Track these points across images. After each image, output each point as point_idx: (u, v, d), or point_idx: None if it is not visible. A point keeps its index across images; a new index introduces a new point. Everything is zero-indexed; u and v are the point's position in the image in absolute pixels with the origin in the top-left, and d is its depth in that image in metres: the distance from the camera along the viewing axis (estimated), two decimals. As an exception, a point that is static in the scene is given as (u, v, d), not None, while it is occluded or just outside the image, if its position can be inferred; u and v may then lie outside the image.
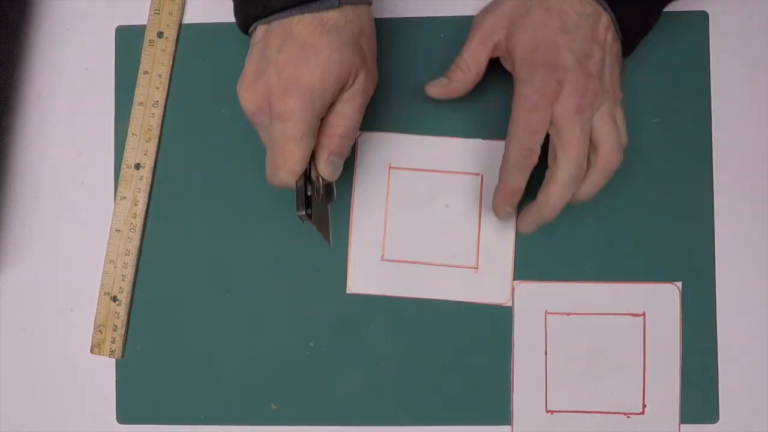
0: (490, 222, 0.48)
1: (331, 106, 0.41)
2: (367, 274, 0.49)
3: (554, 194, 0.41)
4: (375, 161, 0.49)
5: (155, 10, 0.49)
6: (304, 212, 0.40)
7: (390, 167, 0.49)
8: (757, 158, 0.49)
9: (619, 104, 0.42)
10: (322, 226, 0.42)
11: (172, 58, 0.49)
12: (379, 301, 0.48)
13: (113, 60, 0.50)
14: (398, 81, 0.49)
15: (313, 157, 0.42)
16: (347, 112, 0.41)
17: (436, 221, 0.49)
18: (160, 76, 0.49)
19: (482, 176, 0.49)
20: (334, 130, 0.41)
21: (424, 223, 0.49)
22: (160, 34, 0.49)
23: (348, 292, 0.49)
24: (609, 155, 0.41)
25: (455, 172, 0.49)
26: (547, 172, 0.42)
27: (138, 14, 0.50)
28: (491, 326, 0.48)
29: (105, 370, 0.49)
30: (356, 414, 0.48)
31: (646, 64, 0.48)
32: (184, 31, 0.50)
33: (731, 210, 0.48)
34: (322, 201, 0.43)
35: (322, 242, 0.48)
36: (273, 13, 0.39)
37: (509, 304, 0.48)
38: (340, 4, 0.39)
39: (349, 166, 0.49)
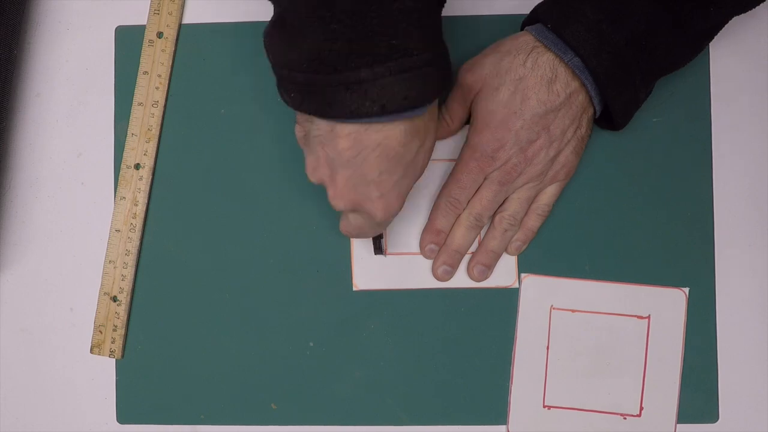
0: None
1: None
2: (371, 269, 0.49)
3: (456, 233, 0.47)
4: None
5: (155, 10, 0.49)
6: (381, 254, 0.48)
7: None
8: (757, 158, 0.49)
9: (553, 183, 0.46)
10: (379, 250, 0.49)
11: (171, 58, 0.49)
12: (379, 299, 0.49)
13: (113, 60, 0.50)
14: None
15: None
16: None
17: (427, 206, 0.49)
18: (159, 76, 0.49)
19: None
20: None
21: (421, 213, 0.49)
22: (159, 34, 0.49)
23: (354, 289, 0.49)
24: (504, 220, 0.47)
25: (444, 159, 0.49)
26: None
27: (138, 14, 0.50)
28: (497, 315, 0.48)
29: (105, 370, 0.49)
30: (356, 414, 0.48)
31: (646, 64, 0.48)
32: (183, 31, 0.50)
33: (731, 210, 0.48)
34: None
35: (322, 242, 0.49)
36: (362, 116, 0.36)
37: (516, 285, 0.48)
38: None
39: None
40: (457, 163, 0.46)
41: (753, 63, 0.49)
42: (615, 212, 0.48)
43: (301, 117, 0.41)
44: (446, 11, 0.49)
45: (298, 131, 0.42)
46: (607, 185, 0.48)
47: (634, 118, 0.48)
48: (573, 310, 0.48)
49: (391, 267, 0.49)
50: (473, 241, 0.48)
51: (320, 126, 0.38)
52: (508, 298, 0.48)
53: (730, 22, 0.44)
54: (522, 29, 0.46)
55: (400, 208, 0.41)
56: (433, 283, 0.49)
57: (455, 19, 0.49)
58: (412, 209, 0.49)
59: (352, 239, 0.49)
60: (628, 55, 0.41)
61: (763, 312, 0.48)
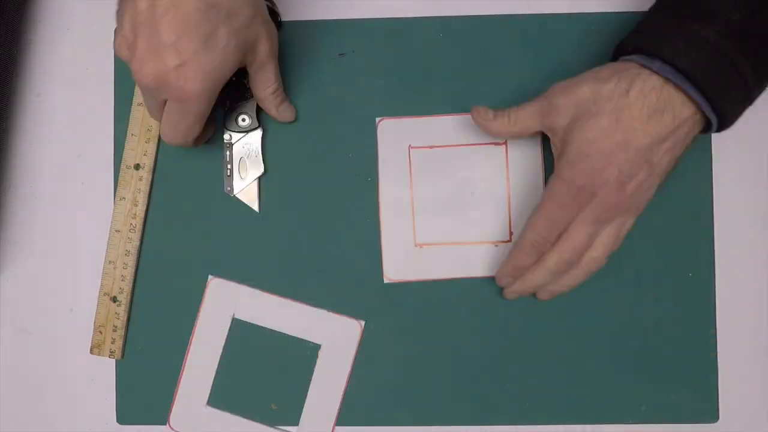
0: (517, 192, 0.48)
1: (248, 75, 0.45)
2: (401, 260, 0.48)
3: (540, 273, 0.44)
4: (395, 145, 0.49)
5: (155, 10, 0.49)
6: (229, 191, 0.48)
7: (410, 147, 0.49)
8: (757, 158, 0.49)
9: (634, 216, 0.43)
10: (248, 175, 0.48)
11: (171, 58, 0.49)
12: (380, 298, 0.49)
13: (113, 60, 0.50)
14: (398, 80, 0.49)
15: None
16: (266, 76, 0.45)
17: (463, 198, 0.48)
18: (159, 76, 0.49)
19: (507, 144, 0.48)
20: (266, 92, 0.46)
21: (451, 202, 0.48)
22: (159, 34, 0.49)
23: (385, 281, 0.48)
24: (594, 262, 0.44)
25: (477, 144, 0.49)
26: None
27: (138, 14, 0.50)
28: (500, 313, 0.48)
29: (105, 370, 0.49)
30: (356, 414, 0.48)
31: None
32: (183, 31, 0.50)
33: (731, 210, 0.48)
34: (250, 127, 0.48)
35: (322, 241, 0.49)
36: None
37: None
38: None
39: (371, 153, 0.49)
40: (548, 198, 0.43)
41: (753, 63, 0.49)
42: (615, 212, 0.48)
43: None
44: (446, 11, 0.49)
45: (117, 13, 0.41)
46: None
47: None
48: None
49: (424, 258, 0.48)
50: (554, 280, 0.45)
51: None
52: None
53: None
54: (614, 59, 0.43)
55: (204, 93, 0.40)
56: (467, 272, 0.48)
57: (455, 19, 0.49)
58: (444, 198, 0.49)
59: (381, 230, 0.49)
60: (726, 48, 0.38)
61: (763, 312, 0.48)
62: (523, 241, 0.44)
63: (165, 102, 0.42)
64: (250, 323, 0.49)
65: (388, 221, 0.48)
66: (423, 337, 0.48)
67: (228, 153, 0.48)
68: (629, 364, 0.48)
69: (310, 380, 0.48)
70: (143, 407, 0.49)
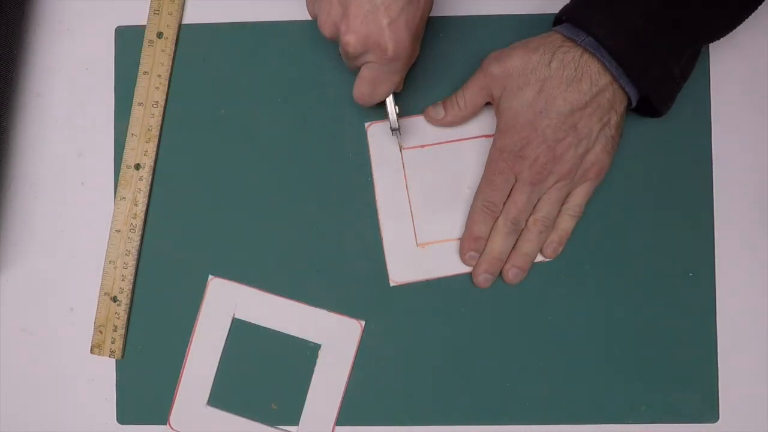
0: None
1: None
2: (405, 262, 0.48)
3: (495, 240, 0.47)
4: (387, 148, 0.49)
5: (155, 11, 0.49)
6: (397, 127, 0.46)
7: (402, 148, 0.49)
8: (757, 158, 0.49)
9: (585, 182, 0.46)
10: (398, 133, 0.47)
11: (171, 59, 0.49)
12: (380, 298, 0.49)
13: (113, 60, 0.50)
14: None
15: None
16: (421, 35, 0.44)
17: (460, 193, 0.49)
18: (159, 76, 0.49)
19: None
20: (415, 54, 0.44)
21: (449, 198, 0.49)
22: (159, 35, 0.49)
23: (391, 284, 0.49)
24: (538, 222, 0.47)
25: (467, 138, 0.49)
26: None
27: (138, 14, 0.50)
28: (497, 313, 0.48)
29: (105, 370, 0.49)
30: (356, 414, 0.48)
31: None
32: (183, 31, 0.50)
33: (731, 210, 0.48)
34: (397, 112, 0.47)
35: (322, 242, 0.49)
36: None
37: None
38: None
39: (365, 158, 0.49)
40: (487, 166, 0.47)
41: (753, 63, 0.49)
42: (615, 212, 0.48)
43: None
44: (446, 11, 0.49)
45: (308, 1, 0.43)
46: (608, 185, 0.48)
47: (635, 118, 0.48)
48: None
49: (427, 258, 0.49)
50: (512, 245, 0.47)
51: None
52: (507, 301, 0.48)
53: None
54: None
55: (411, 45, 0.41)
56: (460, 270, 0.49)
57: (455, 19, 0.49)
58: (443, 196, 0.49)
59: (382, 233, 0.49)
60: (648, 31, 0.41)
61: (764, 312, 0.48)
62: (473, 208, 0.47)
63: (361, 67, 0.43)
64: (250, 323, 0.49)
65: (387, 224, 0.49)
66: (423, 337, 0.48)
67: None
68: (629, 364, 0.48)
69: (310, 380, 0.48)
70: (143, 407, 0.49)
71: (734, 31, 0.48)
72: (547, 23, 0.47)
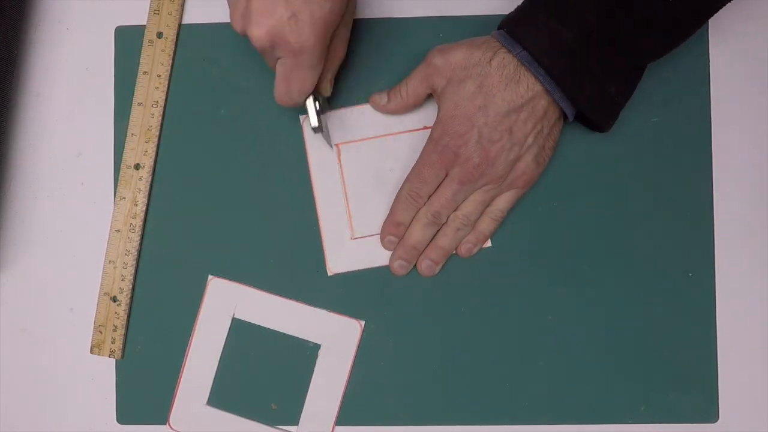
0: None
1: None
2: (341, 253, 0.49)
3: (414, 229, 0.47)
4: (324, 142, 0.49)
5: (155, 11, 0.49)
6: (318, 125, 0.45)
7: (331, 146, 0.49)
8: (757, 158, 0.49)
9: (511, 189, 0.46)
10: (325, 133, 0.47)
11: (171, 59, 0.49)
12: (378, 297, 0.49)
13: (113, 60, 0.50)
14: (398, 80, 0.49)
15: None
16: (344, 34, 0.44)
17: (389, 187, 0.49)
18: (159, 76, 0.49)
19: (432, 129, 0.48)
20: (336, 54, 0.45)
21: (383, 193, 0.49)
22: (159, 35, 0.49)
23: (329, 273, 0.49)
24: (458, 219, 0.47)
25: (405, 131, 0.49)
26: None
27: (138, 14, 0.50)
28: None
29: (105, 370, 0.49)
30: (356, 414, 0.48)
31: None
32: (183, 31, 0.50)
33: (731, 210, 0.48)
34: (322, 113, 0.46)
35: (322, 242, 0.49)
36: None
37: (488, 244, 0.48)
38: None
39: (301, 152, 0.49)
40: (420, 156, 0.47)
41: (753, 63, 0.49)
42: (615, 212, 0.48)
43: None
44: (446, 11, 0.49)
45: None
46: (608, 185, 0.48)
47: (635, 118, 0.48)
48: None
49: (362, 249, 0.49)
50: (431, 237, 0.48)
51: None
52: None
53: (729, 22, 0.44)
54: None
55: (318, 41, 0.40)
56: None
57: (455, 19, 0.49)
58: (378, 189, 0.49)
59: (321, 226, 0.49)
60: (582, 53, 0.42)
61: (764, 312, 0.48)
62: (399, 196, 0.48)
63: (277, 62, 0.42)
64: (250, 323, 0.49)
65: (325, 215, 0.49)
66: (423, 337, 0.48)
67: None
68: (629, 364, 0.48)
69: (310, 380, 0.48)
70: (143, 407, 0.49)
71: (734, 31, 0.48)
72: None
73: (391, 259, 0.48)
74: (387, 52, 0.49)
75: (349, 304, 0.49)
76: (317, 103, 0.45)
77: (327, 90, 0.46)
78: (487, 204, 0.47)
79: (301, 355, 0.49)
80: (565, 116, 0.45)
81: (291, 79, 0.42)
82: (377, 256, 0.49)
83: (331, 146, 0.49)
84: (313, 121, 0.45)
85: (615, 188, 0.48)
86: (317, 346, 0.49)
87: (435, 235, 0.48)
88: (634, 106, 0.48)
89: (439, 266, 0.48)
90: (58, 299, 0.50)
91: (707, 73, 0.49)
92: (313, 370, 0.48)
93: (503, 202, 0.47)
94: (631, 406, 0.48)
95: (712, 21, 0.48)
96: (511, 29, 0.43)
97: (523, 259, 0.48)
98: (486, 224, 0.47)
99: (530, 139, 0.45)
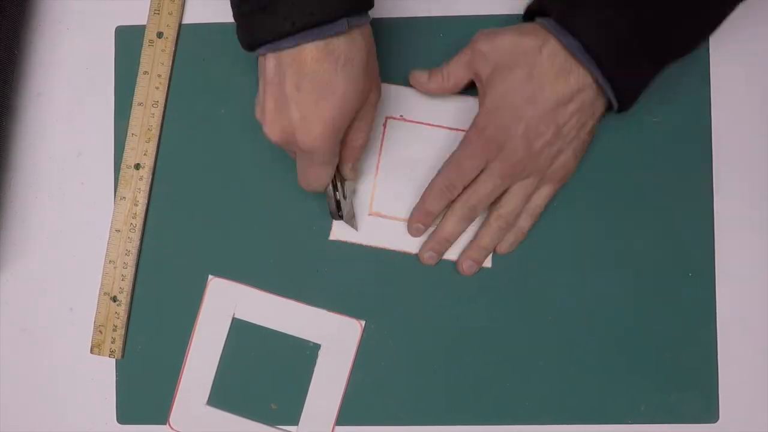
0: None
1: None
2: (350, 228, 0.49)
3: (448, 222, 0.47)
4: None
5: (155, 10, 0.49)
6: (336, 211, 0.46)
7: (386, 117, 0.49)
8: (757, 158, 0.49)
9: (549, 183, 0.46)
10: (351, 219, 0.48)
11: (171, 58, 0.49)
12: (378, 297, 0.49)
13: (113, 60, 0.50)
14: (397, 80, 0.49)
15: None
16: (363, 127, 0.43)
17: (419, 175, 0.48)
18: (159, 76, 0.49)
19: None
20: (354, 143, 0.44)
21: (411, 179, 0.49)
22: (159, 34, 0.49)
23: (331, 238, 0.49)
24: (500, 218, 0.46)
25: (448, 127, 0.49)
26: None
27: (138, 14, 0.50)
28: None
29: (105, 370, 0.49)
30: (356, 414, 0.48)
31: (646, 64, 0.48)
32: (183, 31, 0.50)
33: (731, 209, 0.48)
34: (348, 198, 0.47)
35: (324, 241, 0.49)
36: (281, 37, 0.38)
37: (488, 265, 0.48)
38: (349, 28, 0.38)
39: None
40: (461, 146, 0.45)
41: (753, 63, 0.49)
42: (615, 212, 0.48)
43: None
44: (446, 11, 0.49)
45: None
46: (608, 185, 0.48)
47: (635, 118, 0.48)
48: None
49: (373, 227, 0.49)
50: (463, 231, 0.47)
51: (260, 64, 0.41)
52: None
53: (729, 22, 0.44)
54: (526, 18, 0.45)
55: (329, 140, 0.41)
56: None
57: (455, 19, 0.49)
58: (406, 175, 0.49)
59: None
60: (634, 43, 0.41)
61: (764, 312, 0.48)
62: (433, 185, 0.46)
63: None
64: (250, 323, 0.49)
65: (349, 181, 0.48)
66: (423, 337, 0.48)
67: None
68: (629, 364, 0.48)
69: (310, 380, 0.48)
70: (143, 407, 0.49)
71: (734, 31, 0.48)
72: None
73: (422, 249, 0.48)
74: (386, 53, 0.49)
75: (349, 304, 0.49)
76: (339, 190, 0.46)
77: (350, 176, 0.46)
78: (529, 199, 0.46)
79: (301, 355, 0.49)
80: (605, 108, 0.44)
81: (307, 173, 0.44)
82: (385, 237, 0.48)
83: (357, 229, 0.48)
84: (331, 207, 0.46)
85: (615, 188, 0.48)
86: (317, 346, 0.49)
87: (478, 235, 0.47)
88: (634, 105, 0.48)
89: (480, 266, 0.48)
90: (58, 299, 0.50)
91: (707, 73, 0.49)
92: (313, 370, 0.48)
93: (541, 197, 0.46)
94: (631, 406, 0.48)
95: (712, 21, 0.48)
96: (561, 17, 0.42)
97: (523, 259, 0.48)
98: (524, 221, 0.47)
99: (573, 133, 0.44)
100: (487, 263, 0.48)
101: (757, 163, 0.49)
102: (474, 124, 0.45)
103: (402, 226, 0.48)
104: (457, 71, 0.46)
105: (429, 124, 0.49)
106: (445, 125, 0.49)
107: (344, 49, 0.39)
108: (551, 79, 0.42)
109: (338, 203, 0.46)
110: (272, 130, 0.41)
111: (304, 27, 0.38)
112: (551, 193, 0.46)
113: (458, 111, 0.49)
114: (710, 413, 0.48)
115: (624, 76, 0.42)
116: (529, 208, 0.47)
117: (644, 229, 0.48)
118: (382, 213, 0.49)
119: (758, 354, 0.48)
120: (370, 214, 0.49)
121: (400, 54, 0.49)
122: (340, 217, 0.46)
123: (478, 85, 0.46)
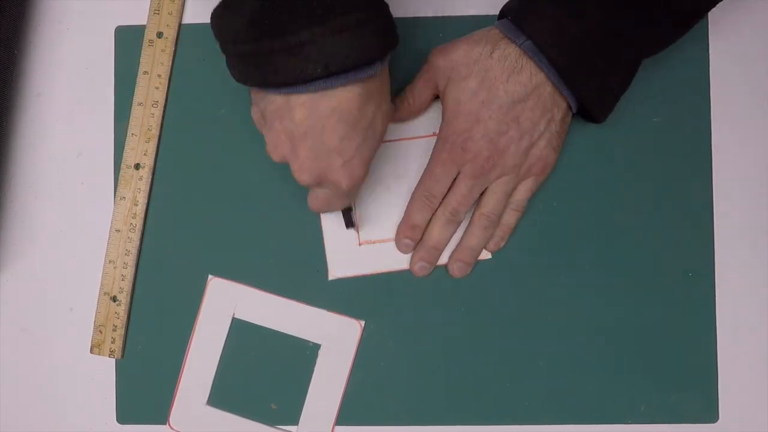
0: None
1: None
2: (345, 258, 0.49)
3: (433, 229, 0.47)
4: None
5: (155, 10, 0.49)
6: (352, 224, 0.47)
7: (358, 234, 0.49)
8: (757, 158, 0.49)
9: (529, 177, 0.46)
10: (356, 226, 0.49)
11: (171, 58, 0.49)
12: (378, 297, 0.49)
13: (113, 60, 0.50)
14: (396, 81, 0.49)
15: None
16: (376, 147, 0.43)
17: (399, 192, 0.49)
18: (159, 76, 0.49)
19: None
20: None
21: (393, 198, 0.49)
22: (159, 34, 0.49)
23: (330, 278, 0.49)
24: (484, 218, 0.47)
25: (414, 137, 0.49)
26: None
27: (138, 14, 0.50)
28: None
29: (105, 370, 0.49)
30: (356, 414, 0.48)
31: (646, 64, 0.48)
32: (183, 31, 0.50)
33: (731, 210, 0.48)
34: (352, 210, 0.48)
35: (322, 242, 0.49)
36: (310, 81, 0.36)
37: (488, 256, 0.48)
38: (381, 67, 0.38)
39: None
40: (431, 157, 0.47)
41: (753, 63, 0.49)
42: (615, 212, 0.48)
43: (256, 96, 0.41)
44: (446, 11, 0.49)
45: (254, 113, 0.42)
46: (608, 185, 0.48)
47: (635, 119, 0.48)
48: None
49: (367, 255, 0.49)
50: (451, 236, 0.48)
51: (275, 100, 0.39)
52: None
53: (729, 22, 0.44)
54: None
55: (365, 175, 0.41)
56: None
57: (455, 19, 0.49)
58: (386, 195, 0.49)
59: (323, 231, 0.49)
60: (587, 46, 0.42)
61: (764, 312, 0.48)
62: (413, 197, 0.47)
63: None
64: (250, 323, 0.49)
65: (328, 223, 0.49)
66: (423, 337, 0.48)
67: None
68: (629, 364, 0.48)
69: (310, 380, 0.48)
70: (143, 407, 0.49)
71: (734, 31, 0.48)
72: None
73: (412, 261, 0.48)
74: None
75: (349, 304, 0.49)
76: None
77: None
78: (509, 195, 0.47)
79: (301, 355, 0.49)
80: (567, 104, 0.45)
81: (331, 203, 0.44)
82: (381, 262, 0.49)
83: (359, 239, 0.49)
84: (347, 223, 0.47)
85: (615, 188, 0.48)
86: (317, 346, 0.49)
87: (463, 236, 0.48)
88: (634, 106, 0.48)
89: (471, 266, 0.48)
90: (58, 299, 0.50)
91: (707, 73, 0.49)
92: (313, 370, 0.48)
93: (522, 192, 0.47)
94: (631, 406, 0.48)
95: (712, 21, 0.48)
96: (515, 18, 0.43)
97: (523, 259, 0.48)
98: (509, 216, 0.47)
99: (541, 126, 0.44)
100: (486, 255, 0.48)
101: (756, 163, 0.49)
102: (438, 136, 0.47)
103: (394, 247, 0.49)
104: (420, 92, 0.47)
105: (402, 139, 0.49)
106: (404, 137, 0.49)
107: (378, 87, 0.39)
108: (503, 81, 0.43)
109: (351, 217, 0.47)
110: (304, 176, 0.40)
111: (338, 71, 0.36)
112: (533, 186, 0.47)
113: (426, 118, 0.49)
114: (710, 413, 0.48)
115: (579, 76, 0.43)
116: (512, 203, 0.47)
117: (644, 229, 0.48)
118: (371, 239, 0.49)
119: (758, 354, 0.48)
120: (360, 245, 0.49)
121: (400, 54, 0.49)
122: (353, 225, 0.47)
123: (440, 98, 0.47)
